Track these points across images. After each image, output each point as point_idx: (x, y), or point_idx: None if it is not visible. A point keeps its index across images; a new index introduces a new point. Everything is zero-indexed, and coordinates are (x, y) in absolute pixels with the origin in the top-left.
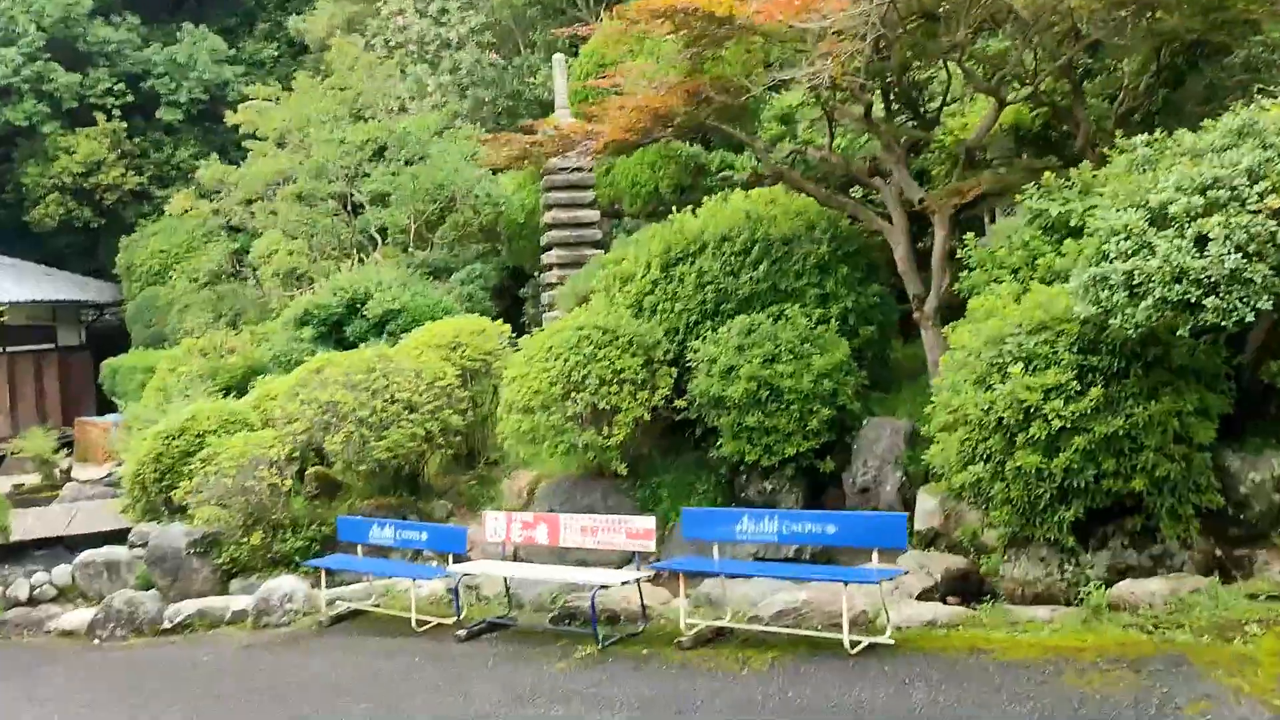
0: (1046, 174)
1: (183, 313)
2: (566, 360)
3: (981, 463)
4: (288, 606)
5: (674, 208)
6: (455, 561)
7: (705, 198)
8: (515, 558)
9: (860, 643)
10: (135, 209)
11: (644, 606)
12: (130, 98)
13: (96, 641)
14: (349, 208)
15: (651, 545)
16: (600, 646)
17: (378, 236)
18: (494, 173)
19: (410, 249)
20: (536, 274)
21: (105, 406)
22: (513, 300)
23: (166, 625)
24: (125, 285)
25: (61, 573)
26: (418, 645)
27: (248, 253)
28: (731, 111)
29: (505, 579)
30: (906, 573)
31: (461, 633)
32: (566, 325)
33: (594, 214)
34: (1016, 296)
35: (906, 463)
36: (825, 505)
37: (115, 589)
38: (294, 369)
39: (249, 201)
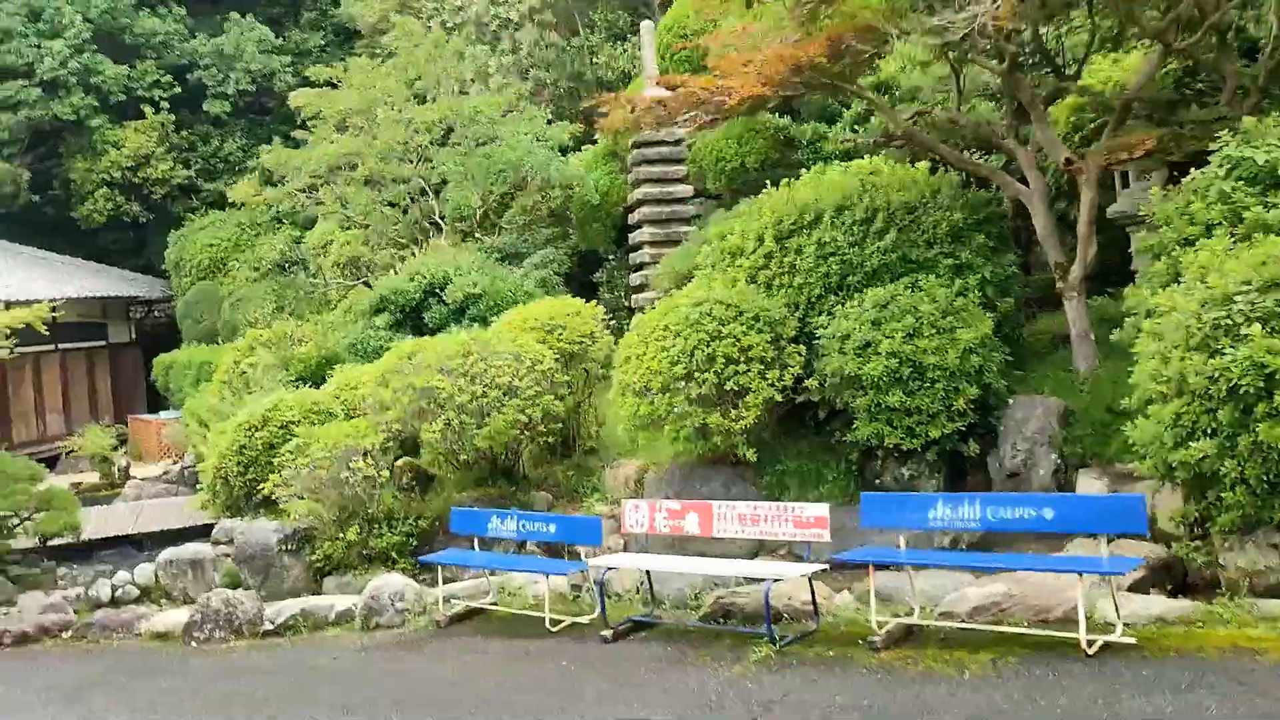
0: (1247, 119)
1: (236, 306)
2: (688, 338)
3: (1205, 438)
4: (398, 606)
5: (768, 183)
6: (588, 555)
7: (797, 173)
8: (625, 549)
9: (1095, 641)
10: (183, 203)
11: (815, 603)
12: (177, 90)
13: (194, 644)
14: (415, 192)
15: (825, 535)
16: (777, 648)
17: (441, 222)
18: (562, 153)
19: (476, 234)
20: (612, 257)
21: (155, 404)
22: (581, 286)
23: (267, 627)
24: (174, 281)
25: (144, 572)
26: (561, 648)
27: (299, 243)
28: (858, 68)
29: (647, 573)
30: (1146, 562)
31: (607, 633)
32: (683, 302)
33: (687, 189)
34: (1226, 253)
35: (1062, 443)
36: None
37: (200, 588)
38: (372, 357)
39: (312, 187)
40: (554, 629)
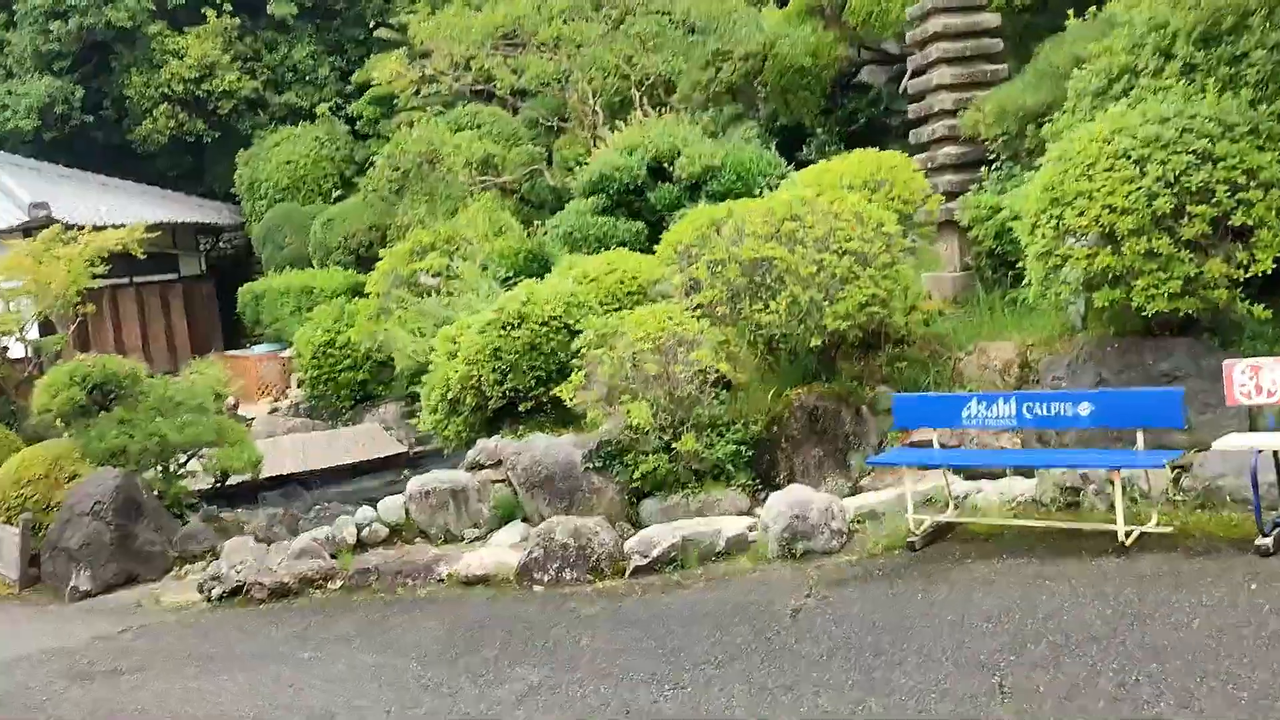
0: None
1: (330, 225)
2: (1164, 163)
3: None
4: (834, 526)
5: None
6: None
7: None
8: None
9: None
10: (250, 119)
11: None
12: None
13: (538, 588)
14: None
15: None
16: None
17: (599, 109)
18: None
19: (641, 116)
20: (820, 130)
21: (229, 340)
22: None
23: (638, 562)
24: (247, 205)
25: (391, 508)
26: (1198, 569)
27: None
28: None
29: (1276, 454)
30: None
31: (1265, 542)
32: (1132, 121)
33: (994, 19)
34: None
35: None
36: None
37: (463, 523)
38: (593, 246)
39: (460, 64)
40: (1126, 541)
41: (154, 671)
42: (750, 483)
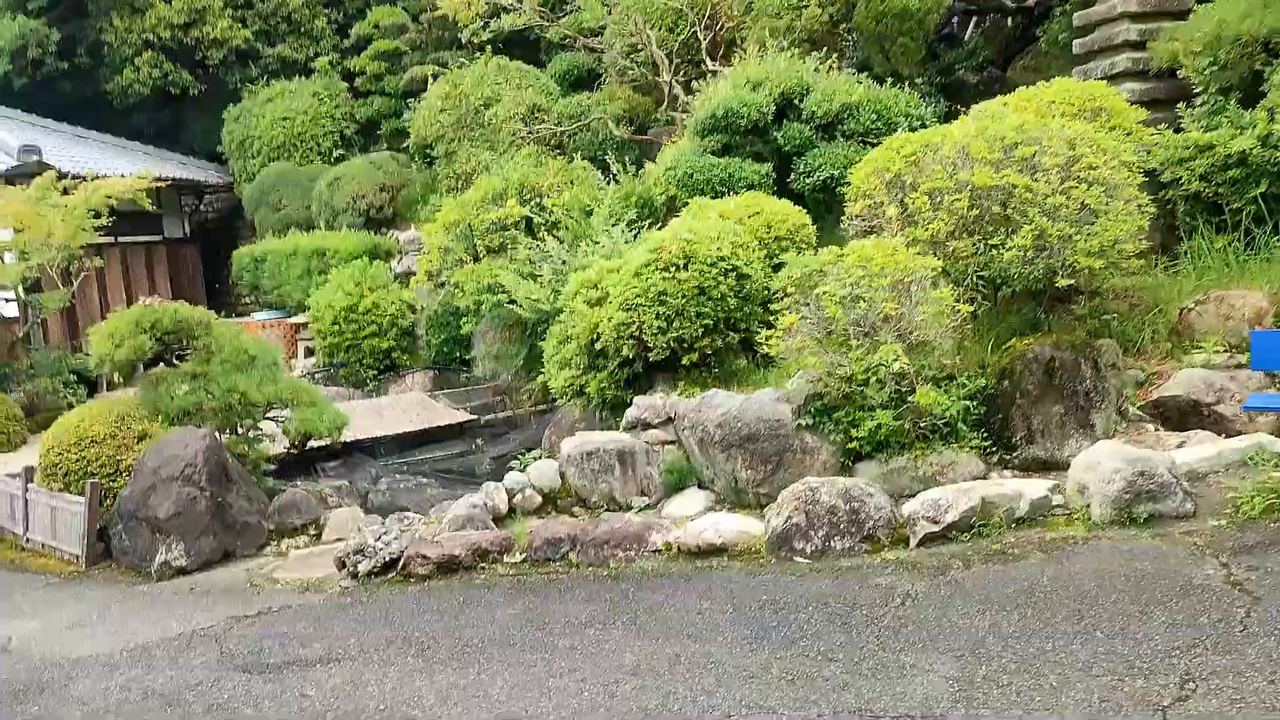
0: None
1: (337, 185)
2: None
3: None
4: (1185, 486)
5: None
6: None
7: None
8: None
9: None
10: (240, 72)
11: None
12: None
13: (800, 560)
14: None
15: None
16: None
17: (661, 55)
18: None
19: (708, 69)
20: (920, 79)
21: (213, 306)
22: None
23: (927, 529)
24: (237, 164)
25: (544, 473)
26: None
27: (378, 122)
28: None
29: None
30: None
31: None
32: None
33: None
34: None
35: None
36: None
37: (630, 489)
38: (715, 189)
39: None
40: None
41: (355, 662)
42: (983, 444)
